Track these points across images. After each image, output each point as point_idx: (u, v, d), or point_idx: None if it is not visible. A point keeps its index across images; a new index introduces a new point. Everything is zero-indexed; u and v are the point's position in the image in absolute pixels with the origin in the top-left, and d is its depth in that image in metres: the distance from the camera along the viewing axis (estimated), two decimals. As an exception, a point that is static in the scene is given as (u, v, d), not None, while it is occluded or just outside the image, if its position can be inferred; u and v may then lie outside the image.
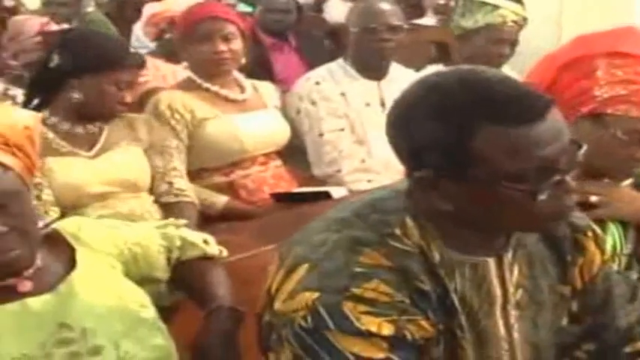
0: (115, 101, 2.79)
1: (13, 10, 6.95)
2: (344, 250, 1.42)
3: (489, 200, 1.39)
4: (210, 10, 3.27)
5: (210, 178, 3.16)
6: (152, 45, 4.72)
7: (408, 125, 1.40)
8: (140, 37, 5.35)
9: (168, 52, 4.23)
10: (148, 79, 4.12)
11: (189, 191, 2.97)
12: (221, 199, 3.13)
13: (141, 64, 2.93)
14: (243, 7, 7.60)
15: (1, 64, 4.11)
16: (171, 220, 1.95)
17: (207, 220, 3.01)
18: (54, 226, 1.72)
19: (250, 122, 3.23)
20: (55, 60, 2.84)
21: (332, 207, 1.56)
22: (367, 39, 3.52)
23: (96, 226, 1.76)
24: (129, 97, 2.81)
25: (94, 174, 2.75)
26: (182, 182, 2.96)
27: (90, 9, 6.34)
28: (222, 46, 3.18)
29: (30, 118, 1.64)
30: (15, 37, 3.87)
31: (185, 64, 3.34)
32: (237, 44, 3.23)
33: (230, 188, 3.20)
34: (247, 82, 3.35)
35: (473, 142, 1.35)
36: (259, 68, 4.20)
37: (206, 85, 3.23)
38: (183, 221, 1.99)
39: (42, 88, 2.87)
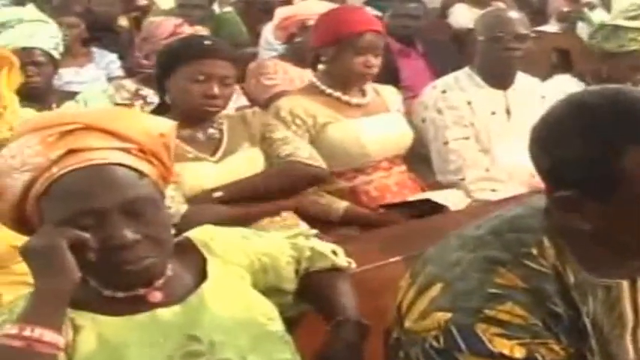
0: (200, 95, 2.73)
1: (146, 9, 7.13)
2: (478, 271, 1.40)
3: (632, 222, 1.36)
4: (371, 23, 3.24)
5: (333, 184, 3.13)
6: (281, 47, 4.72)
7: (553, 143, 1.38)
8: (269, 39, 5.40)
9: (298, 56, 4.25)
10: (276, 82, 4.18)
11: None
12: (342, 205, 3.12)
13: (227, 56, 2.81)
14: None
15: (134, 64, 4.20)
16: (302, 229, 1.93)
17: (327, 225, 3.00)
18: (186, 234, 1.71)
19: (373, 126, 3.21)
20: (155, 71, 2.90)
21: (461, 218, 1.52)
22: (494, 48, 3.46)
23: (228, 235, 1.75)
24: (216, 89, 2.72)
25: (220, 177, 2.76)
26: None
27: (226, 9, 6.43)
28: (374, 61, 3.17)
29: (166, 125, 1.64)
30: (148, 38, 3.92)
31: (320, 67, 3.25)
32: (380, 60, 3.22)
33: (352, 194, 3.18)
34: (369, 86, 3.32)
35: (620, 162, 1.32)
36: (386, 74, 4.15)
37: (329, 90, 3.21)
38: (313, 231, 1.96)
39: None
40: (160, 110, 2.85)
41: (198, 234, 1.71)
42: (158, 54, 2.92)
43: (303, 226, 2.87)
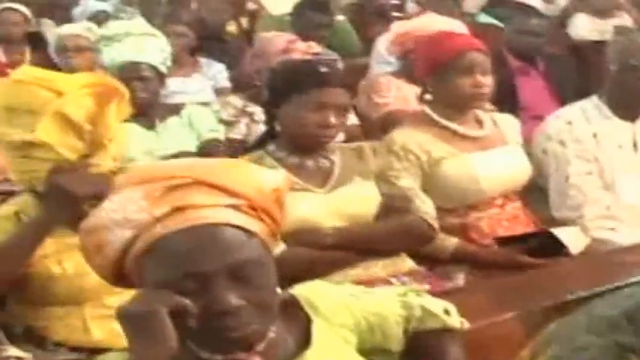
0: (315, 125, 2.69)
1: (256, 14, 7.16)
2: (608, 358, 1.33)
3: None
4: (470, 42, 3.18)
5: (443, 220, 3.02)
6: (393, 60, 4.65)
7: None
8: (382, 52, 5.34)
9: (412, 73, 4.13)
10: (389, 100, 4.14)
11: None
12: (452, 242, 3.02)
13: (344, 84, 2.79)
14: (484, 18, 7.47)
15: (244, 79, 4.19)
16: (413, 286, 1.86)
17: (436, 262, 2.95)
18: (292, 290, 1.66)
19: (489, 162, 3.11)
20: (264, 94, 2.88)
21: (581, 267, 1.44)
22: (629, 77, 3.34)
23: (335, 293, 1.69)
24: (332, 118, 2.68)
25: (328, 209, 2.72)
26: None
27: (339, 17, 6.40)
28: (483, 79, 3.07)
29: (279, 178, 1.57)
30: (260, 54, 3.94)
31: (429, 98, 3.17)
32: (490, 78, 3.12)
33: (462, 230, 3.09)
34: (486, 117, 3.23)
35: None
36: (503, 93, 4.07)
37: (444, 121, 3.12)
38: (425, 287, 1.90)
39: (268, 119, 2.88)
40: (267, 137, 2.86)
41: (305, 291, 1.66)
42: (270, 79, 2.90)
43: (411, 264, 2.83)
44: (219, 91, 4.98)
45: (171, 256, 1.42)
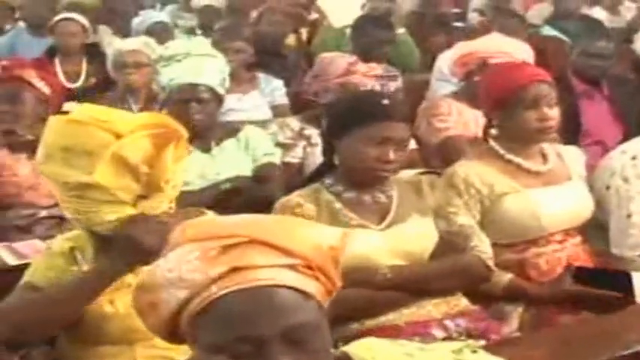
0: (374, 160, 2.68)
1: (316, 23, 7.18)
2: None
3: None
4: (534, 73, 3.13)
5: (500, 255, 2.99)
6: (454, 80, 4.66)
7: None
8: (443, 70, 5.33)
9: (474, 96, 4.08)
10: (449, 125, 4.10)
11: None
12: (505, 277, 2.98)
13: (405, 118, 2.79)
14: (548, 31, 7.41)
15: (302, 101, 4.20)
16: (469, 342, 1.84)
17: (488, 299, 2.92)
18: (345, 349, 1.64)
19: (551, 198, 3.07)
20: (323, 124, 2.88)
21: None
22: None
23: (389, 352, 1.66)
24: (392, 154, 2.67)
25: (384, 247, 2.71)
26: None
27: (399, 30, 6.39)
28: (549, 112, 3.04)
29: (336, 236, 1.55)
30: (320, 76, 3.93)
31: (494, 132, 3.14)
32: (557, 110, 3.08)
33: (520, 267, 3.04)
34: (551, 149, 3.19)
35: None
36: (567, 117, 4.02)
37: (509, 156, 3.08)
38: (480, 342, 1.88)
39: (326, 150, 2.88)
40: (324, 170, 2.86)
41: (358, 350, 1.64)
42: (331, 110, 2.90)
43: (465, 303, 2.82)
44: (276, 109, 4.98)
45: (227, 318, 1.42)
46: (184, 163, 2.34)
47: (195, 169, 3.56)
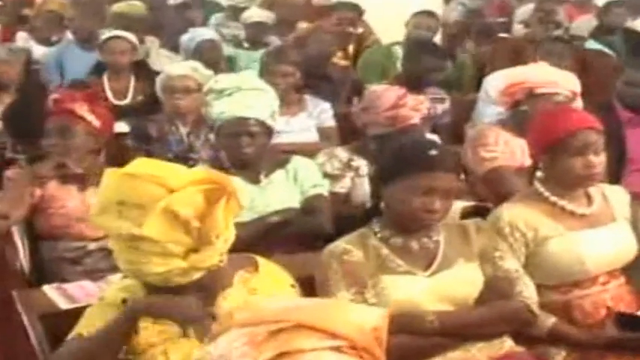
0: (420, 209, 2.74)
1: (362, 37, 7.21)
2: None
3: None
4: (583, 120, 3.17)
5: (545, 296, 3.05)
6: (499, 109, 4.68)
7: None
8: (489, 93, 5.36)
9: (521, 126, 4.09)
10: (496, 155, 4.11)
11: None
12: (548, 321, 3.04)
13: (453, 168, 2.84)
14: (592, 45, 7.40)
15: (348, 131, 4.26)
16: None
17: (530, 340, 2.97)
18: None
19: (596, 240, 3.13)
20: (372, 171, 2.93)
21: None
22: None
23: None
24: (438, 203, 2.73)
25: (431, 293, 2.78)
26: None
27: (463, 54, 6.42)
28: (595, 159, 3.11)
29: (379, 317, 1.64)
30: (369, 108, 4.00)
31: (540, 175, 3.20)
32: (603, 156, 3.15)
33: (565, 308, 3.11)
34: (596, 191, 3.24)
35: None
36: (612, 146, 4.03)
37: (553, 198, 3.14)
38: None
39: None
40: (370, 215, 2.92)
41: None
42: (380, 157, 2.99)
43: (510, 344, 2.88)
44: (323, 131, 5.04)
45: None
46: (234, 218, 2.41)
47: (244, 201, 3.61)
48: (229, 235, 2.40)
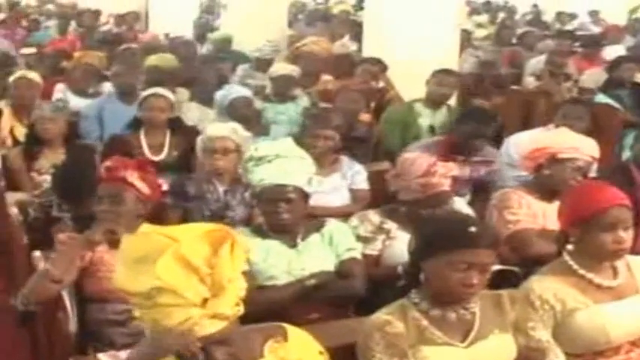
0: (458, 284, 2.76)
1: (383, 92, 7.23)
2: None
3: None
4: (614, 197, 3.18)
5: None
6: (518, 165, 4.73)
7: None
8: (512, 155, 5.35)
9: (543, 190, 4.22)
10: (520, 218, 4.13)
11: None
12: None
13: (491, 244, 2.82)
14: (602, 99, 7.41)
15: (382, 195, 4.26)
16: None
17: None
18: None
19: (620, 313, 3.15)
20: (411, 244, 2.93)
21: None
22: None
23: None
24: (475, 279, 2.76)
25: None
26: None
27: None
28: (624, 235, 3.12)
29: None
30: (401, 175, 4.00)
31: (570, 248, 3.21)
32: (631, 232, 3.17)
33: (589, 377, 3.16)
34: (621, 263, 3.25)
35: None
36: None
37: (581, 271, 3.17)
38: None
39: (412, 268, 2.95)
40: (410, 286, 2.92)
41: None
42: (419, 232, 2.95)
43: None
44: (355, 193, 5.00)
45: None
46: (243, 265, 2.40)
47: (281, 264, 3.66)
48: (241, 283, 2.39)
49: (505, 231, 4.08)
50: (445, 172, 3.95)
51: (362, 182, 5.06)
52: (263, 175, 3.68)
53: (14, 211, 4.48)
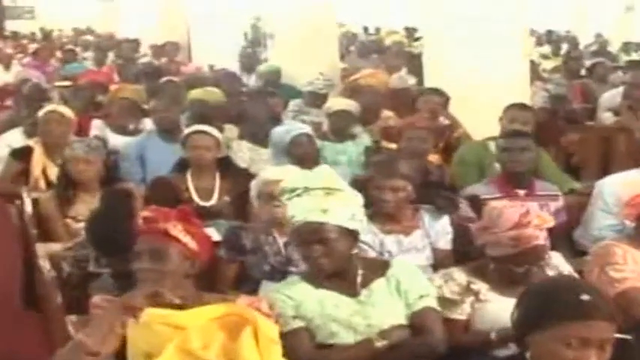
0: None
1: (450, 130, 6.88)
2: None
3: None
4: None
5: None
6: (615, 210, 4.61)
7: None
8: (606, 200, 5.03)
9: None
10: (626, 275, 3.89)
11: None
12: None
13: (609, 316, 2.58)
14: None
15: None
16: None
17: None
18: None
19: None
20: (514, 315, 2.71)
21: None
22: None
23: None
24: (593, 357, 2.50)
25: None
26: None
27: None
28: None
29: None
30: (489, 227, 3.69)
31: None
32: None
33: None
34: None
35: None
36: None
37: None
38: None
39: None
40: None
41: None
42: (522, 301, 2.71)
43: None
44: (438, 253, 4.51)
45: None
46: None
47: (342, 318, 3.37)
48: None
49: (611, 289, 3.82)
50: (540, 224, 3.65)
51: (446, 242, 4.56)
52: (293, 211, 3.37)
53: (46, 265, 4.15)
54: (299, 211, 3.35)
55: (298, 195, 3.37)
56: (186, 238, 3.36)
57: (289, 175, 3.69)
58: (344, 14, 16.78)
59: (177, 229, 3.35)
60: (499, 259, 3.63)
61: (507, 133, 5.46)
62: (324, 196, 3.35)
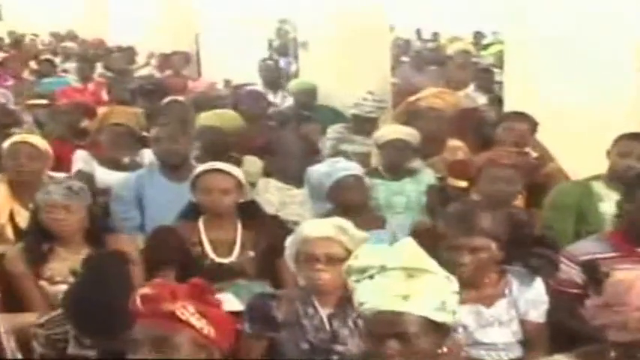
0: None
1: (538, 166, 6.71)
2: None
3: None
4: None
5: None
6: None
7: None
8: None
9: None
10: None
11: None
12: None
13: None
14: None
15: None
16: None
17: None
18: None
19: None
20: None
21: None
22: None
23: None
24: None
25: None
26: None
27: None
28: None
29: None
30: (612, 305, 3.50)
31: None
32: None
33: None
34: None
35: None
36: None
37: None
38: None
39: None
40: None
41: None
42: None
43: None
44: (527, 325, 4.43)
45: None
46: None
47: None
48: None
49: None
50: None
51: (540, 315, 4.45)
52: (363, 297, 3.29)
53: (11, 344, 4.04)
54: (372, 296, 3.27)
55: (371, 276, 3.30)
56: (200, 323, 3.31)
57: (360, 250, 3.57)
58: (392, 15, 16.77)
59: (188, 312, 3.30)
60: (625, 347, 3.48)
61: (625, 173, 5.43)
62: (405, 279, 3.27)
